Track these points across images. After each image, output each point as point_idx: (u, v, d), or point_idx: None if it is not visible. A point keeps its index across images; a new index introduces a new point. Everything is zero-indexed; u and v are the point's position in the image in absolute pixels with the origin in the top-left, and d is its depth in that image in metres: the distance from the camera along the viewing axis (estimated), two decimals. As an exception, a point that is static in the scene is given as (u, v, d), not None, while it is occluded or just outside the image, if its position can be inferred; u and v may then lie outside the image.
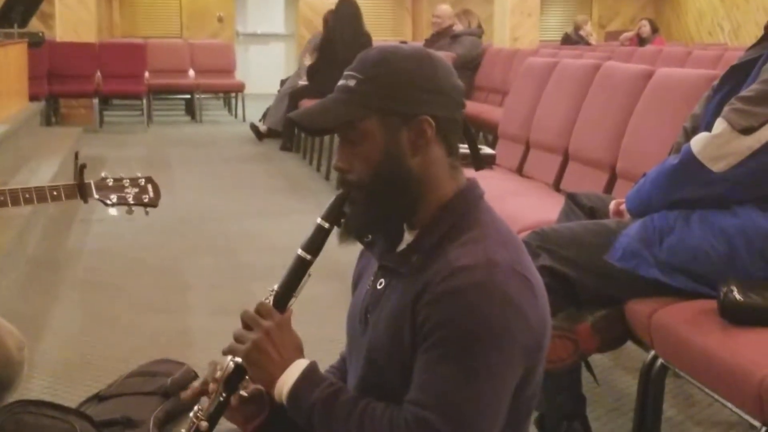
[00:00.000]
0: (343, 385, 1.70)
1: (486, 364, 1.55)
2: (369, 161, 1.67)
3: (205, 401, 1.79)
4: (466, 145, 1.83)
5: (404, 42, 7.48)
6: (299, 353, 1.72)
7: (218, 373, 1.78)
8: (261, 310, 1.73)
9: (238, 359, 1.74)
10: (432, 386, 1.57)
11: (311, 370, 1.69)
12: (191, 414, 1.78)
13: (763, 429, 2.12)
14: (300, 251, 1.75)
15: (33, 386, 3.47)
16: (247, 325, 1.73)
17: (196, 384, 1.80)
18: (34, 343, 3.81)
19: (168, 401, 3.19)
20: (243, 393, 1.78)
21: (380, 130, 1.66)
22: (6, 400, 2.79)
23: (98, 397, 3.23)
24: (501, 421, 1.60)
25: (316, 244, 1.74)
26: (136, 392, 3.21)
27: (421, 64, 1.67)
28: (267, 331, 1.70)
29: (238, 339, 1.72)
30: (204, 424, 1.76)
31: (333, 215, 1.74)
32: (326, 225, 1.73)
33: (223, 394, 1.76)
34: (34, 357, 3.60)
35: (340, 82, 1.70)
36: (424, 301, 1.60)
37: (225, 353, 1.76)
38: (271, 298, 1.75)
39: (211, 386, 1.77)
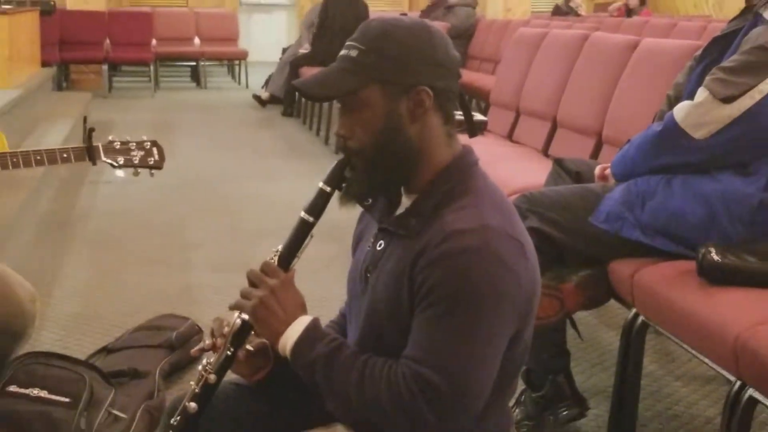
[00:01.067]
0: (344, 341, 1.71)
1: (480, 323, 1.56)
2: (369, 129, 1.67)
3: (212, 355, 1.80)
4: (460, 113, 1.82)
5: (404, 14, 7.42)
6: (302, 310, 1.73)
7: (225, 329, 1.78)
8: (266, 269, 1.74)
9: (245, 315, 1.75)
10: (428, 344, 1.57)
11: (314, 327, 1.69)
12: (200, 367, 1.79)
13: (738, 383, 2.13)
14: (303, 214, 1.75)
15: (44, 339, 3.49)
16: (253, 282, 1.73)
17: (208, 342, 1.80)
18: (45, 298, 3.83)
19: (173, 354, 3.21)
20: (249, 347, 1.79)
21: (381, 99, 1.65)
22: (18, 351, 2.80)
23: (106, 350, 3.25)
24: (493, 376, 1.61)
25: (318, 206, 1.74)
26: (142, 345, 3.23)
27: (420, 36, 1.67)
28: (272, 289, 1.71)
29: (244, 296, 1.73)
30: (212, 377, 1.77)
31: (334, 180, 1.73)
32: (328, 189, 1.73)
33: (231, 349, 1.77)
34: (45, 311, 3.61)
35: (342, 52, 1.69)
36: (422, 264, 1.60)
37: (232, 309, 1.77)
38: (276, 258, 1.76)
39: (219, 341, 1.78)
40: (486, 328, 1.57)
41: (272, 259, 1.76)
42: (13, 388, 2.59)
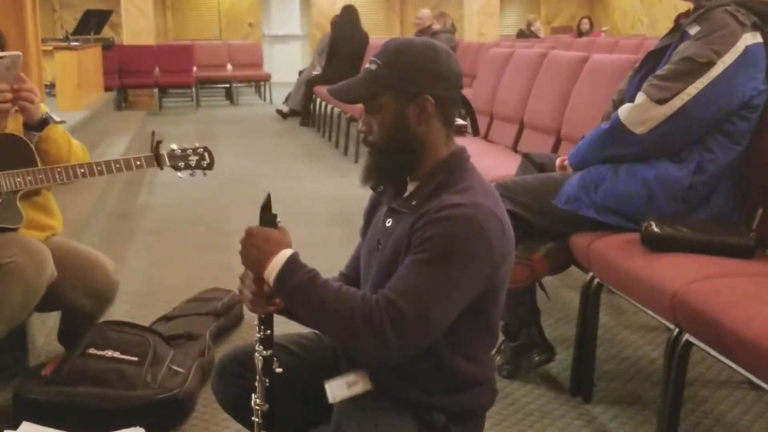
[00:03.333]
0: (319, 273, 1.66)
1: (450, 274, 1.57)
2: (383, 126, 1.70)
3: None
4: (461, 120, 1.83)
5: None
6: (282, 246, 1.68)
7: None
8: (247, 231, 1.73)
9: (266, 352, 1.74)
10: (406, 279, 1.58)
11: (294, 259, 1.66)
12: (252, 404, 1.77)
13: (676, 330, 2.14)
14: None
15: (115, 311, 3.47)
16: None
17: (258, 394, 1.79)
18: (115, 277, 3.82)
19: (219, 319, 3.21)
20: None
21: (393, 104, 1.68)
22: (106, 312, 2.79)
23: (166, 318, 3.25)
24: (449, 320, 1.61)
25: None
26: (194, 313, 3.23)
27: (426, 55, 1.70)
28: (247, 240, 1.70)
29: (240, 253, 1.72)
30: (265, 406, 1.76)
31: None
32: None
33: (266, 380, 1.75)
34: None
35: (366, 66, 1.73)
36: (419, 224, 1.62)
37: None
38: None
39: (258, 384, 1.76)
40: (454, 279, 1.58)
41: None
42: (92, 351, 2.60)
